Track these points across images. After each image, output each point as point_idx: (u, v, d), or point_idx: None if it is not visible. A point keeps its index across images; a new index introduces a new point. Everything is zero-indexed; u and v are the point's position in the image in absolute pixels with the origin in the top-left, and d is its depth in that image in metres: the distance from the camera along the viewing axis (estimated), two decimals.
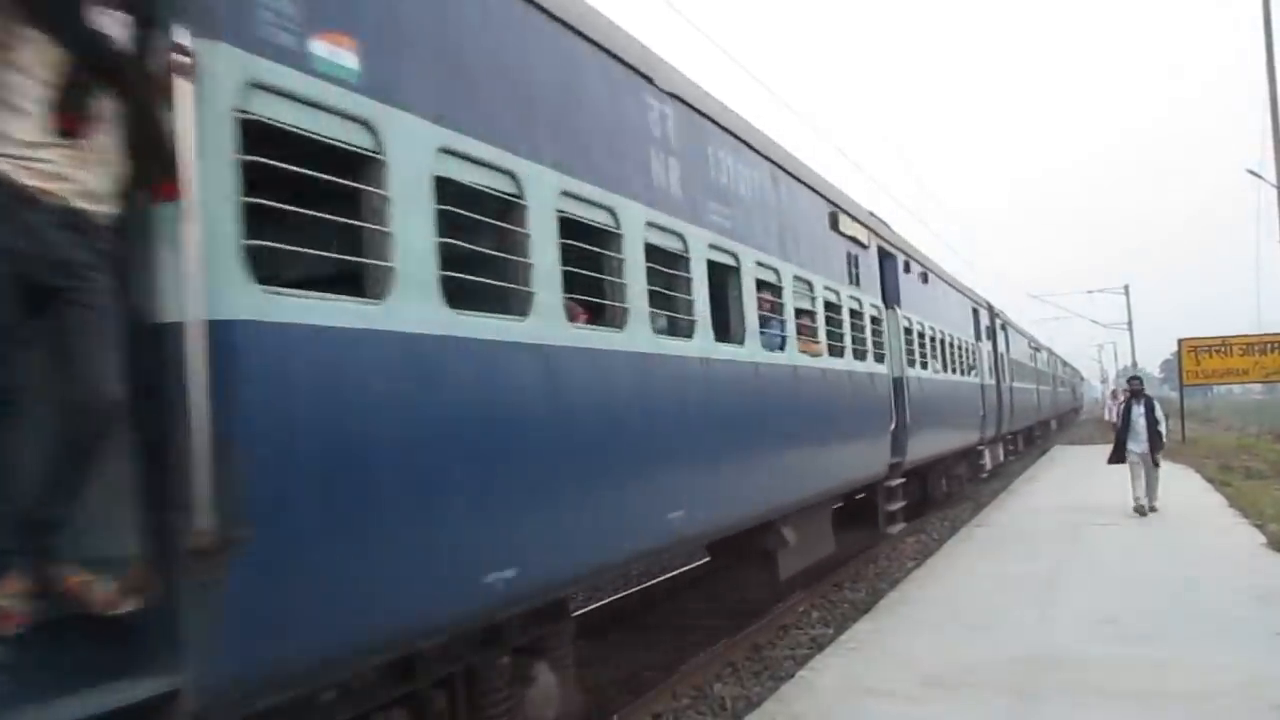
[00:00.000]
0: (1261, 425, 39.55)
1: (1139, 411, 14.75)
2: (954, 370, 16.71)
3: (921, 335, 14.11)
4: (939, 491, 17.21)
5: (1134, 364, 60.11)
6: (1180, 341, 31.44)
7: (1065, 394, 55.72)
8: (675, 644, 8.75)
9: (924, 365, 14.02)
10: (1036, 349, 35.75)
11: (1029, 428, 31.88)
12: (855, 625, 8.49)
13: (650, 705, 6.91)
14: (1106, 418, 36.19)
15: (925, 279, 15.27)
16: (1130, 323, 58.56)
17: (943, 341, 15.92)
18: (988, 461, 20.99)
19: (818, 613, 10.09)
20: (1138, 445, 14.54)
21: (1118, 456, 14.86)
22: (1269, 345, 29.71)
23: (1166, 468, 15.17)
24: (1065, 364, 60.34)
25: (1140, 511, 14.28)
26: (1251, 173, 26.32)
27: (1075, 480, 20.51)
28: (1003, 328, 25.12)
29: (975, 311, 20.87)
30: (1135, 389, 15.42)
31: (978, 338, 20.30)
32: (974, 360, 19.22)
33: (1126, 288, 58.72)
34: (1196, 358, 30.78)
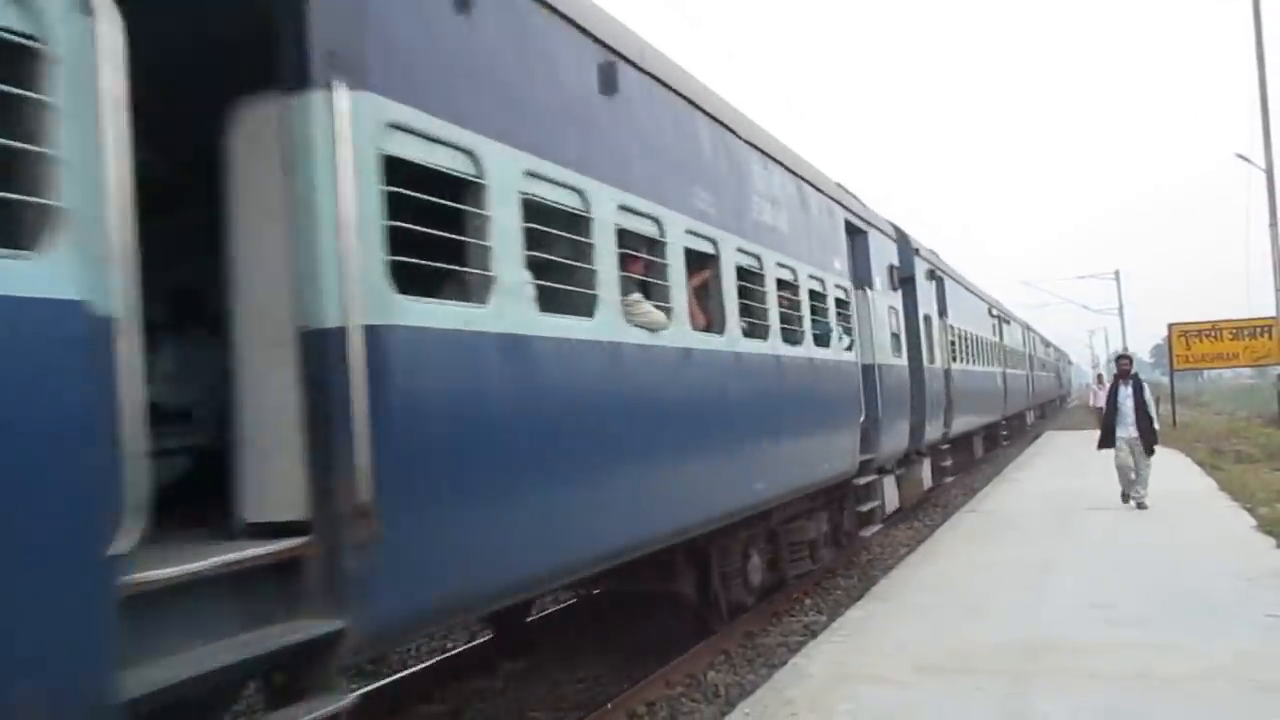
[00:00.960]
0: (1251, 409, 39.70)
1: (1126, 393, 13.57)
2: (764, 331, 8.08)
3: (582, 221, 5.47)
4: (724, 603, 8.20)
5: (1125, 349, 60.27)
6: (1170, 326, 31.53)
7: (1047, 379, 46.44)
8: (668, 631, 8.75)
9: (583, 308, 5.39)
10: (1002, 319, 27.95)
11: (991, 425, 25.12)
12: (848, 612, 8.50)
13: (644, 693, 6.91)
14: (1091, 403, 33.26)
15: (607, 90, 5.92)
16: (1121, 308, 58.86)
17: (721, 261, 7.30)
18: (886, 498, 12.04)
19: (810, 600, 10.10)
20: (1125, 430, 13.43)
21: (1106, 441, 13.72)
22: (1259, 329, 29.80)
23: (1157, 452, 13.90)
24: (1047, 343, 50.31)
25: (1140, 505, 13.33)
26: (1241, 157, 26.40)
27: (1066, 466, 20.57)
28: (933, 276, 16.46)
29: (859, 235, 11.91)
30: (1123, 369, 14.00)
31: (864, 283, 11.70)
32: (848, 320, 10.74)
33: (1117, 273, 59.20)
34: (1187, 342, 30.90)
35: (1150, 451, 13.42)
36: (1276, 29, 29.84)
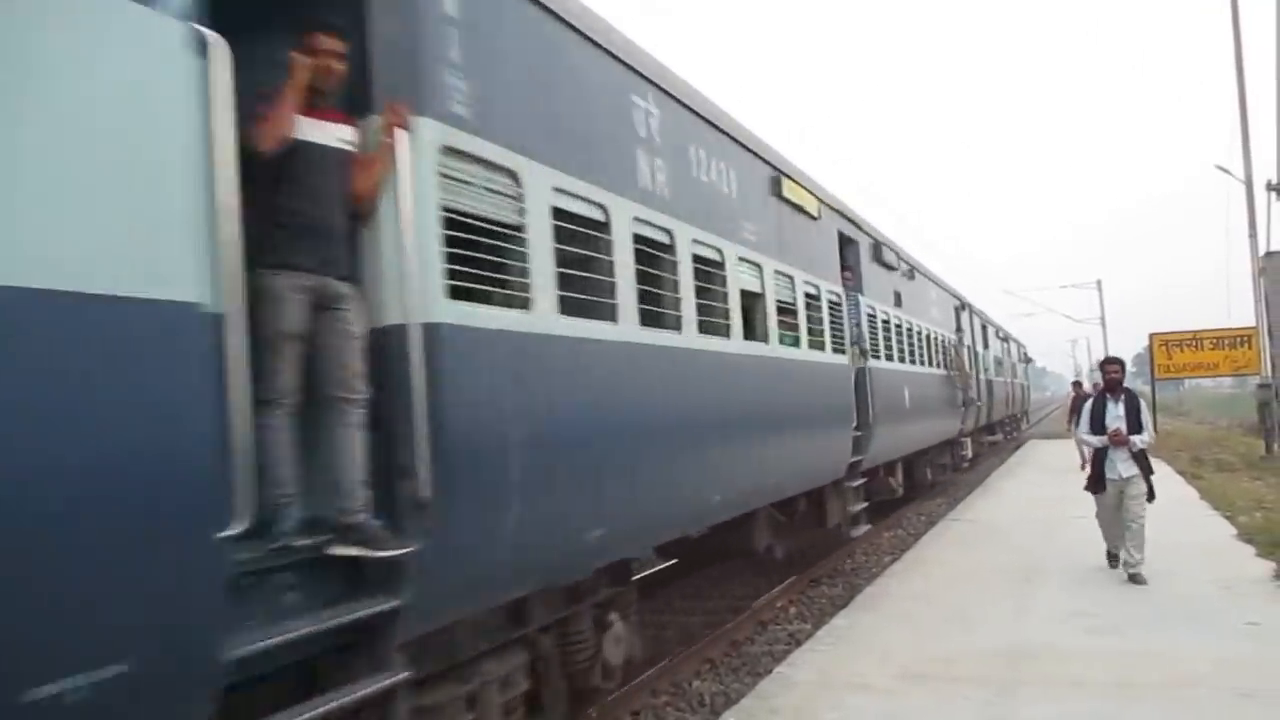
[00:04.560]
0: (1232, 418, 40.08)
1: (1116, 413, 9.34)
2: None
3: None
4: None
5: (1107, 354, 60.40)
6: (1152, 336, 31.76)
7: (940, 390, 17.91)
8: (653, 640, 8.76)
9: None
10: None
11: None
12: (833, 620, 8.53)
13: (628, 702, 6.91)
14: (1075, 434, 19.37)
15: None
16: (1103, 317, 59.19)
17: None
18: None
19: (795, 608, 10.13)
20: (1116, 468, 9.34)
21: (1098, 481, 9.53)
22: (1239, 339, 30.05)
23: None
24: (967, 311, 23.40)
25: (1134, 577, 9.16)
26: (1220, 169, 26.67)
27: (1049, 474, 20.68)
28: None
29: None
30: (1111, 378, 9.60)
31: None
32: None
33: (1099, 283, 59.40)
34: (1168, 352, 31.11)
35: (1150, 496, 9.41)
36: (1256, 40, 30.19)
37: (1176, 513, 13.84)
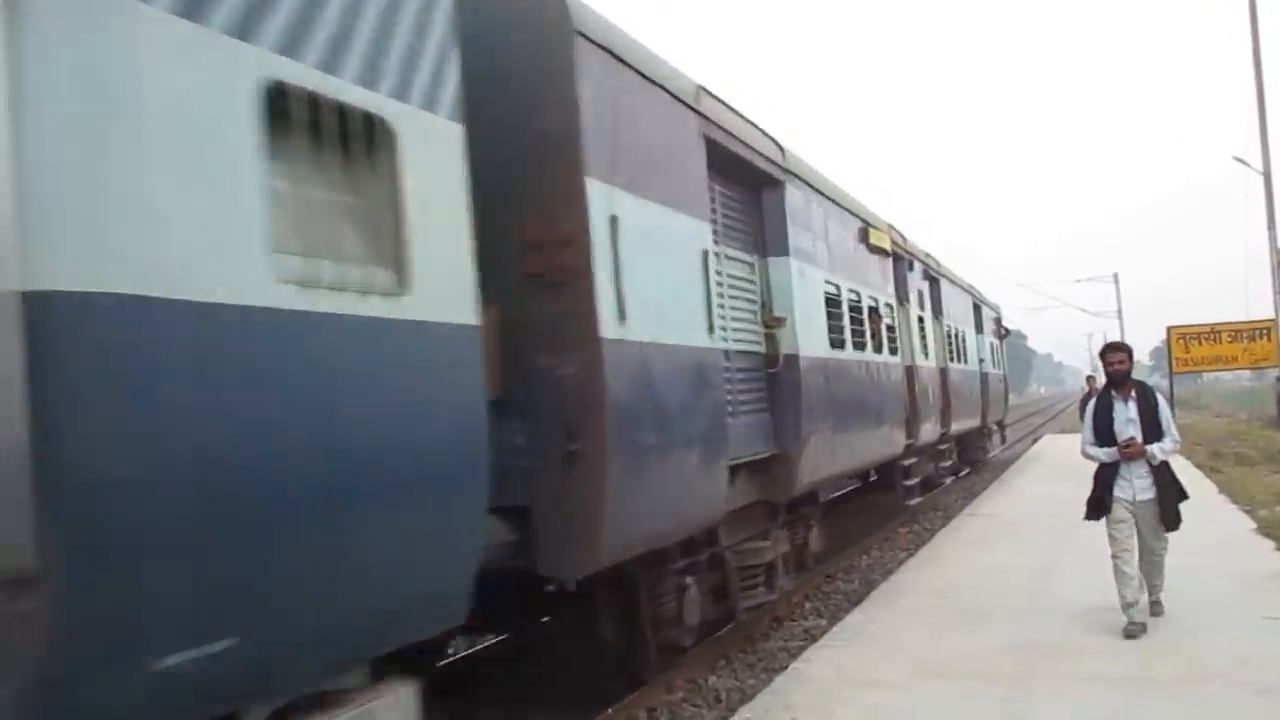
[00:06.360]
0: (1251, 411, 39.77)
1: (1127, 414, 7.23)
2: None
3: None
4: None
5: (1120, 341, 59.97)
6: (1169, 329, 31.52)
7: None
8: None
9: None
10: None
11: None
12: (848, 616, 8.53)
13: (645, 698, 6.93)
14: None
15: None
16: (1120, 310, 58.83)
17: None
18: None
19: (811, 604, 10.12)
20: (1129, 487, 7.26)
21: (1097, 506, 7.44)
22: (1257, 332, 29.80)
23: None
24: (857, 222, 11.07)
25: (1130, 628, 7.11)
26: (1238, 160, 26.46)
27: (1065, 470, 20.56)
28: None
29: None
30: (1116, 370, 7.45)
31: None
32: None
33: (1116, 276, 59.05)
34: (1185, 345, 30.84)
35: (1173, 523, 7.40)
36: (1273, 31, 29.92)
37: (1195, 507, 13.70)
